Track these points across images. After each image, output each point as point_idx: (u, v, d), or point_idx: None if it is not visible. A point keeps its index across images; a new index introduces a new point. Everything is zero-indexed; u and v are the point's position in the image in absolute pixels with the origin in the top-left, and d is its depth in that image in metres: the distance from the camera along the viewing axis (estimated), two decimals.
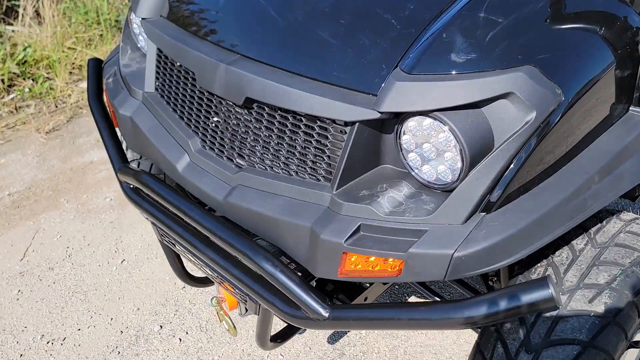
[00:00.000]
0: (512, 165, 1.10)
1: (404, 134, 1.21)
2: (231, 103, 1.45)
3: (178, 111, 1.67)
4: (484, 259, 1.11)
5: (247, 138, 1.46)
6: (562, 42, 1.17)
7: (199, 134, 1.59)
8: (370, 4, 1.34)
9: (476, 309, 1.07)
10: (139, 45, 1.92)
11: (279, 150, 1.39)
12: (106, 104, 1.95)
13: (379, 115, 1.17)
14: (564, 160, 1.18)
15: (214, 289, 2.39)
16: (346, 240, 1.20)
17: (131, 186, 1.82)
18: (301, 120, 1.32)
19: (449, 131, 1.11)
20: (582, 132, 1.20)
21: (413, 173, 1.24)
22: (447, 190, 1.20)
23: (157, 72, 1.74)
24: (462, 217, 1.13)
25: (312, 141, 1.31)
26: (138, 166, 2.09)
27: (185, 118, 1.64)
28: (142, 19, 1.74)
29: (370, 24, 1.30)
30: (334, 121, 1.26)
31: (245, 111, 1.43)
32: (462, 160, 1.12)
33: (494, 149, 1.11)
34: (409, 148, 1.22)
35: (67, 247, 2.79)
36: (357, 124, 1.21)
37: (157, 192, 1.65)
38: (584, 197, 1.15)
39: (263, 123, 1.40)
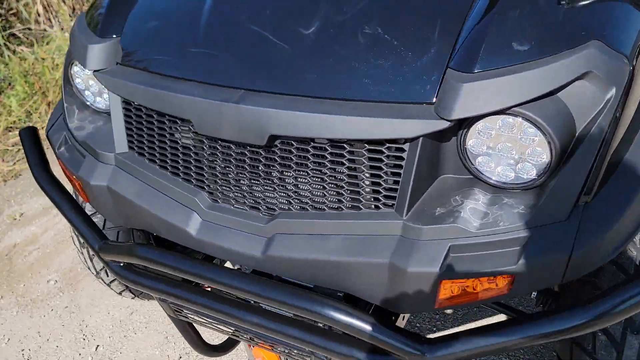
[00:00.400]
0: (602, 149, 1.04)
1: (471, 138, 1.10)
2: (246, 145, 1.26)
3: (169, 167, 1.44)
4: (602, 252, 1.04)
5: (272, 180, 1.27)
6: (609, 13, 1.13)
7: (206, 187, 1.38)
8: (389, 6, 1.22)
9: (612, 302, 0.99)
10: (87, 103, 1.64)
11: (321, 185, 1.23)
12: (66, 177, 1.65)
13: (448, 124, 1.05)
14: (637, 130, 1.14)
15: (232, 355, 2.11)
16: (441, 267, 1.08)
17: (121, 264, 1.55)
18: (344, 148, 1.17)
19: (533, 125, 1.03)
20: None
21: (484, 177, 1.14)
22: (530, 187, 1.11)
23: (129, 129, 1.49)
24: (566, 213, 1.04)
25: (363, 167, 1.17)
26: (117, 238, 1.81)
27: (181, 173, 1.42)
28: (95, 71, 1.48)
29: (396, 28, 1.18)
30: (388, 141, 1.12)
31: (265, 150, 1.25)
32: (551, 153, 1.04)
33: (583, 135, 1.03)
34: (477, 152, 1.11)
35: (22, 350, 2.37)
36: (422, 138, 1.08)
37: (166, 264, 1.41)
38: None
39: (293, 160, 1.23)
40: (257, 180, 1.30)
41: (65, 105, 1.65)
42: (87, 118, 1.64)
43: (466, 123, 1.09)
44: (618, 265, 1.21)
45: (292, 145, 1.21)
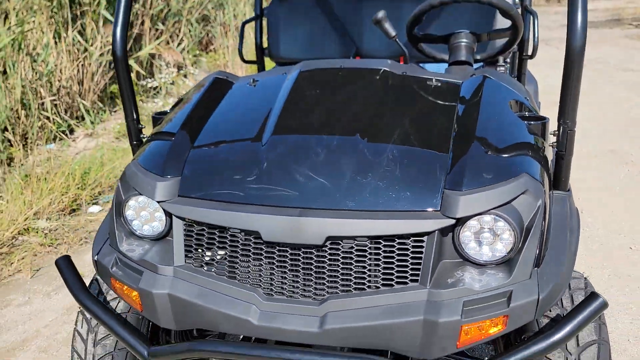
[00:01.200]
0: (541, 236, 1.73)
1: (464, 232, 1.72)
2: (301, 247, 1.73)
3: (226, 273, 1.82)
4: (553, 295, 1.67)
5: (323, 272, 1.73)
6: (530, 160, 1.89)
7: (261, 286, 1.78)
8: (398, 152, 1.87)
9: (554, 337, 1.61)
10: (135, 231, 1.97)
11: (361, 272, 1.72)
12: (117, 293, 1.90)
13: (454, 221, 1.67)
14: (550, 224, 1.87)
15: None
16: (461, 315, 1.60)
17: None
18: (380, 243, 1.70)
19: (504, 220, 1.68)
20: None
21: (471, 258, 1.74)
22: (501, 262, 1.73)
23: (188, 245, 1.86)
24: (528, 274, 1.68)
25: (394, 256, 1.70)
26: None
27: (238, 277, 1.80)
28: (159, 201, 1.88)
29: (406, 159, 1.80)
30: (412, 235, 1.69)
31: (318, 250, 1.72)
32: (514, 238, 1.69)
33: (529, 228, 1.71)
34: (468, 241, 1.73)
35: None
36: (437, 231, 1.68)
37: (228, 351, 1.72)
38: (572, 242, 1.84)
39: (340, 255, 1.72)
40: (310, 274, 1.74)
41: (116, 232, 1.97)
42: (134, 243, 1.96)
43: (460, 222, 1.71)
44: (552, 319, 1.84)
45: (340, 244, 1.72)
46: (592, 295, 1.66)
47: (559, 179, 2.01)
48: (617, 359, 2.95)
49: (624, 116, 7.14)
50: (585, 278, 2.08)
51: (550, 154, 2.14)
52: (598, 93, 8.27)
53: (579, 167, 5.32)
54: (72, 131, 6.96)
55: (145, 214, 1.94)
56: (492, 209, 1.68)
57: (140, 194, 1.92)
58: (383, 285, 1.71)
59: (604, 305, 1.64)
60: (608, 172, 5.41)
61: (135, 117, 2.38)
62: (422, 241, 1.69)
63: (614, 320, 3.23)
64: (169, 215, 1.89)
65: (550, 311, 1.83)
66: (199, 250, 1.85)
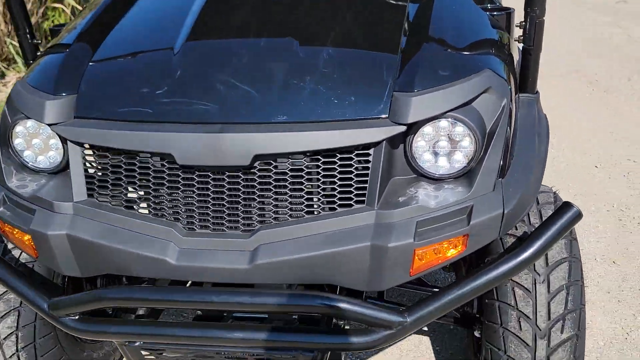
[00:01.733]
0: (505, 143, 1.47)
1: (417, 141, 1.45)
2: (225, 172, 1.44)
3: (136, 205, 1.52)
4: (521, 208, 1.43)
5: (252, 199, 1.45)
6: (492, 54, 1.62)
7: (181, 218, 1.49)
8: (337, 53, 1.56)
9: (535, 246, 1.38)
10: (28, 163, 1.64)
11: (298, 196, 1.44)
12: (12, 238, 1.59)
13: (404, 127, 1.39)
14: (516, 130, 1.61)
15: None
16: (414, 237, 1.36)
17: (77, 317, 1.53)
18: (318, 160, 1.42)
19: (464, 124, 1.41)
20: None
21: (426, 172, 1.48)
22: (461, 175, 1.47)
23: (89, 176, 1.54)
24: (492, 186, 1.42)
25: (336, 174, 1.43)
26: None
27: (152, 210, 1.51)
28: (51, 124, 1.54)
29: (347, 61, 1.52)
30: (356, 148, 1.41)
31: (245, 173, 1.44)
32: (475, 144, 1.43)
33: (492, 132, 1.45)
34: (422, 152, 1.46)
35: None
36: (384, 142, 1.40)
37: (146, 298, 1.45)
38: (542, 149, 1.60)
39: (272, 177, 1.44)
40: (237, 202, 1.46)
41: (2, 166, 1.63)
42: (27, 178, 1.64)
43: (412, 129, 1.44)
44: (519, 238, 1.62)
45: (271, 164, 1.43)
46: (565, 205, 1.43)
47: (526, 78, 1.74)
48: (585, 278, 2.83)
49: (589, 36, 6.96)
50: (555, 192, 1.87)
51: (516, 52, 1.86)
52: (564, 13, 8.04)
53: (543, 87, 5.13)
54: (2, 75, 6.37)
55: (38, 143, 1.61)
56: (449, 111, 1.41)
57: (28, 118, 1.58)
58: (324, 210, 1.44)
59: (578, 215, 1.42)
60: (573, 92, 5.25)
61: (27, 30, 1.99)
62: (367, 154, 1.41)
63: (580, 241, 3.09)
64: (65, 141, 1.56)
65: (517, 229, 1.61)
66: (104, 181, 1.54)
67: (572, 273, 1.58)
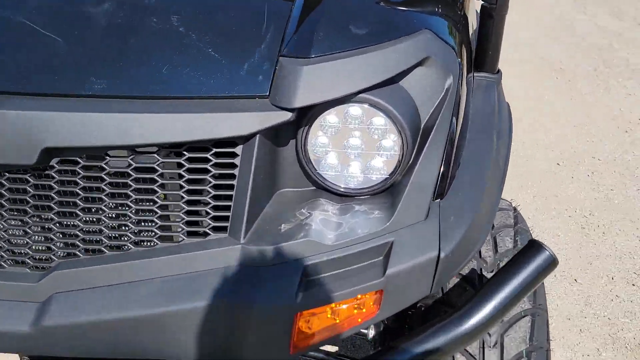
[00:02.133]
0: (448, 143, 0.96)
1: (315, 136, 0.93)
2: (4, 170, 0.89)
3: None
4: (467, 248, 0.92)
5: (47, 218, 0.91)
6: (432, 12, 1.10)
7: None
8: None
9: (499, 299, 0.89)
10: None
11: (121, 215, 0.91)
12: None
13: (290, 115, 0.87)
14: (466, 127, 1.10)
15: None
16: (297, 294, 0.84)
17: None
18: (154, 160, 0.89)
19: (382, 112, 0.90)
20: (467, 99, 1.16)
21: (329, 184, 0.96)
22: (379, 191, 0.97)
23: None
24: (424, 212, 0.92)
25: (182, 183, 0.89)
26: None
27: None
28: None
29: (212, 16, 0.98)
30: (215, 144, 0.88)
31: (36, 175, 0.89)
32: (402, 145, 0.92)
33: (429, 127, 0.94)
34: (323, 154, 0.94)
35: None
36: (258, 137, 0.87)
37: None
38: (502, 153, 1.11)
39: (79, 184, 0.89)
40: (21, 222, 0.91)
41: None
42: None
43: (307, 118, 0.91)
44: (465, 278, 1.14)
45: (78, 163, 0.88)
46: (534, 248, 0.94)
47: (484, 51, 1.23)
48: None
49: (555, 23, 6.62)
50: (515, 208, 1.40)
51: (473, 16, 1.36)
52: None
53: (506, 75, 4.74)
54: None
55: None
56: (363, 91, 0.89)
57: None
58: (162, 240, 0.91)
59: (552, 262, 0.93)
60: (537, 80, 4.88)
61: None
62: (232, 155, 0.88)
63: None
64: None
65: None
66: None
67: (535, 332, 1.11)
